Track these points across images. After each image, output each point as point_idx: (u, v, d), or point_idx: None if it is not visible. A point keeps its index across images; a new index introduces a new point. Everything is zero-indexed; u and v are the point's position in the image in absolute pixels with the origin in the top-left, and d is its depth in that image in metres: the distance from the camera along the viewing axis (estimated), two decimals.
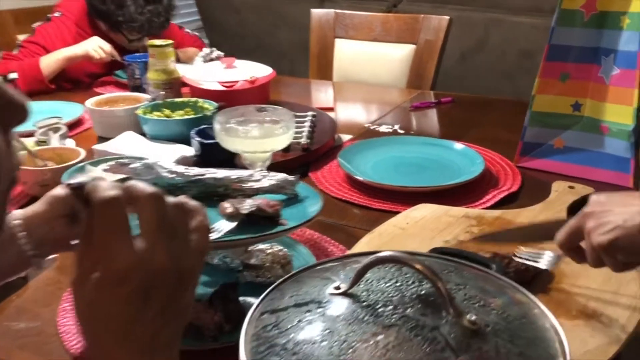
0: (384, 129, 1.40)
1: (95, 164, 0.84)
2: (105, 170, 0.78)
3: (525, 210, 0.96)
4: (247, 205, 0.71)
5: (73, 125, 1.38)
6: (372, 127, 1.41)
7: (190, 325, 0.67)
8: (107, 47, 1.70)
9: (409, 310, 0.48)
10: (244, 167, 0.92)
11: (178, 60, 1.65)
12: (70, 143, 1.20)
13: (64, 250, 0.68)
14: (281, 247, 0.79)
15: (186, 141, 1.15)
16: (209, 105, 1.27)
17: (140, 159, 1.05)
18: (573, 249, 0.67)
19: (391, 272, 0.53)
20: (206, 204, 0.76)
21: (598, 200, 0.64)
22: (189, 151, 1.13)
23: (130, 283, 0.41)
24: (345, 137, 1.35)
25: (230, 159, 1.05)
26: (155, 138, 1.19)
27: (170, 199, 0.45)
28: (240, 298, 0.72)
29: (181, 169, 0.78)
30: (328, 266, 0.57)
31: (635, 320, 0.69)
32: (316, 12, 2.00)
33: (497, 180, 1.10)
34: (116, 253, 0.41)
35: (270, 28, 3.06)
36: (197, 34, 2.11)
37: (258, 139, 0.90)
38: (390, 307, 0.48)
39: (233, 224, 0.69)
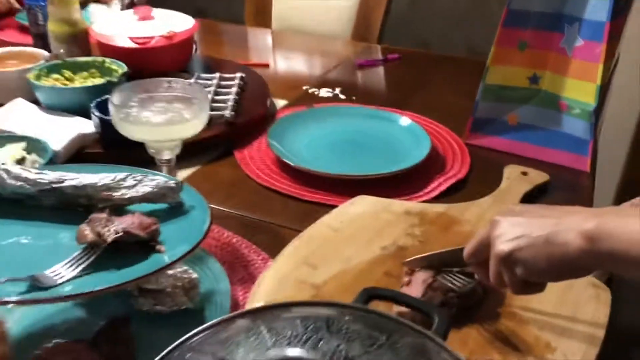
0: (324, 92, 1.25)
1: None
2: None
3: (473, 204, 0.85)
4: (113, 228, 0.57)
5: None
6: (310, 90, 1.26)
7: None
8: None
9: None
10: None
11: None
12: None
13: None
14: (185, 267, 0.65)
15: (88, 112, 0.97)
16: (118, 67, 1.08)
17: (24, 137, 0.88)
18: (480, 264, 0.58)
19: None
20: (67, 218, 0.60)
21: (513, 208, 0.57)
22: (90, 126, 0.96)
23: None
24: (280, 103, 1.20)
25: None
26: (50, 108, 1.01)
27: None
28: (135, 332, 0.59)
29: (33, 174, 0.63)
30: (223, 336, 0.44)
31: (592, 355, 0.61)
32: None
33: (444, 162, 0.98)
34: None
35: None
36: None
37: (163, 126, 0.74)
38: None
39: (78, 269, 0.55)
